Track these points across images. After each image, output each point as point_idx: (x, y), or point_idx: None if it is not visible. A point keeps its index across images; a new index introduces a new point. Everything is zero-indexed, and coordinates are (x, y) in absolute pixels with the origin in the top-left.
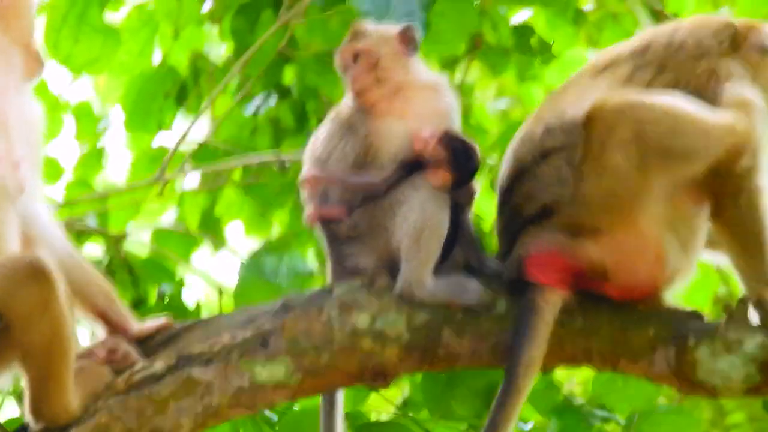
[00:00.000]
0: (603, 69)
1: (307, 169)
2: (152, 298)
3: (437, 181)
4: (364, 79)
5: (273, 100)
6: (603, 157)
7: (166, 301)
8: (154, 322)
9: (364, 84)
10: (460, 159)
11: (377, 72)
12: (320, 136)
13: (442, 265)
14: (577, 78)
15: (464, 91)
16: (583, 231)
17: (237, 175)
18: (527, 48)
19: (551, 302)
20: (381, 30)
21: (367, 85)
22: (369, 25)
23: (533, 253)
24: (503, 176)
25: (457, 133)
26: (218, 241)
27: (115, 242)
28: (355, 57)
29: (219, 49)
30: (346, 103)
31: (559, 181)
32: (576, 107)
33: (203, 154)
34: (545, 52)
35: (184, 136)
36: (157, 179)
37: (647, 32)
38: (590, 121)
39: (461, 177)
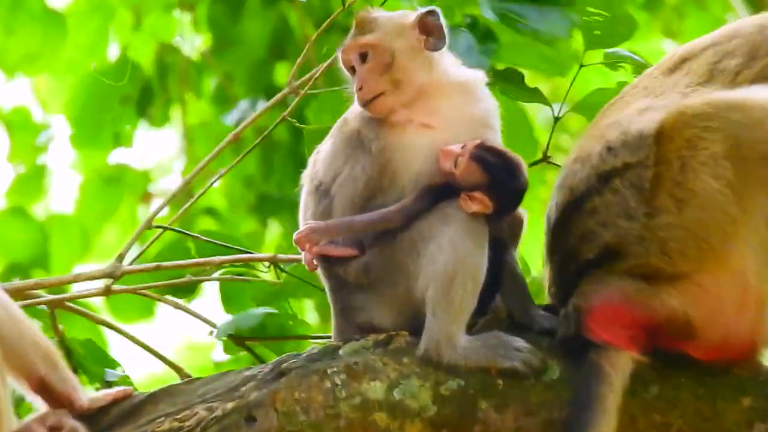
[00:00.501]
0: (676, 66)
1: (303, 200)
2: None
3: (473, 209)
4: (375, 82)
5: (261, 107)
6: (685, 180)
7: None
8: (109, 391)
9: (374, 88)
10: (500, 179)
11: (391, 73)
12: (322, 153)
13: (479, 319)
14: (643, 80)
15: None
16: (660, 276)
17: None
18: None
19: (620, 366)
20: (394, 17)
21: (379, 90)
22: (378, 12)
23: (596, 305)
24: (553, 208)
25: (496, 145)
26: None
27: (51, 309)
28: (363, 55)
29: (193, 42)
30: (354, 111)
31: (626, 214)
32: (645, 117)
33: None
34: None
35: (156, 212)
36: (111, 272)
37: (732, 22)
38: (666, 133)
39: (503, 203)
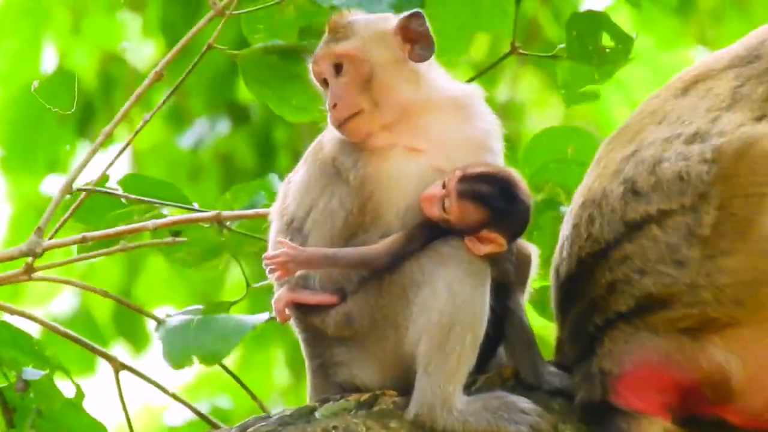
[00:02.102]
0: (688, 87)
1: (273, 239)
2: (9, 391)
3: (485, 251)
4: (351, 99)
5: (223, 126)
6: (756, 219)
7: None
8: None
9: (350, 107)
10: (502, 208)
11: (371, 88)
12: (294, 184)
13: (479, 377)
14: (650, 104)
15: (512, 112)
16: (707, 328)
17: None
18: (589, 46)
19: None
20: (373, 22)
21: (355, 109)
22: (355, 16)
23: (629, 368)
24: (563, 259)
25: (480, 168)
26: (147, 375)
27: None
28: (337, 66)
29: (142, 50)
30: (329, 134)
31: (674, 260)
32: (676, 151)
33: (97, 205)
34: (622, 52)
35: (75, 176)
36: (28, 250)
37: (752, 33)
38: (730, 170)
39: (513, 232)
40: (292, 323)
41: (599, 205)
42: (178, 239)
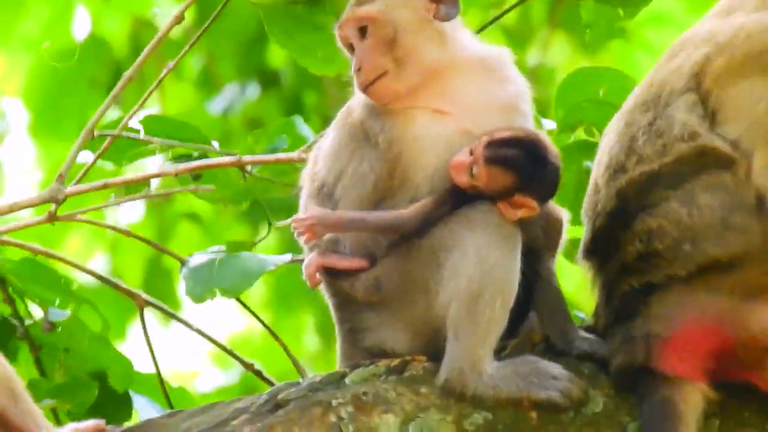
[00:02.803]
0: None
1: (304, 204)
2: (35, 329)
3: (519, 216)
4: (376, 61)
5: (253, 91)
6: None
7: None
8: (78, 425)
9: (374, 69)
10: (531, 171)
11: (395, 50)
12: (324, 149)
13: (510, 342)
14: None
15: (543, 76)
16: (763, 291)
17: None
18: None
19: (694, 404)
20: None
21: (380, 71)
22: None
23: (678, 329)
24: (599, 199)
25: (507, 132)
26: (171, 311)
27: None
28: (362, 29)
29: (173, 16)
30: (357, 99)
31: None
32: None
33: (120, 149)
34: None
35: (96, 120)
36: (50, 196)
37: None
38: None
39: (544, 195)
40: (322, 288)
41: (635, 137)
42: (201, 186)
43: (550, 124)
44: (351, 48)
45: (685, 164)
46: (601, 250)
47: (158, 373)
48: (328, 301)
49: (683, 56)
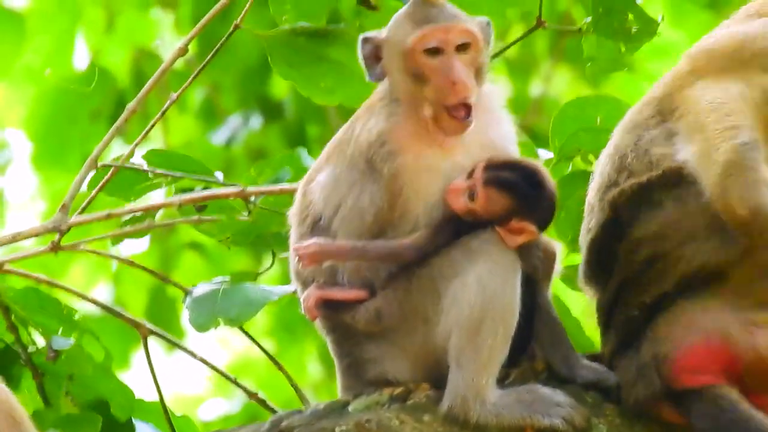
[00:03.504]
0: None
1: (296, 234)
2: (38, 357)
3: (519, 242)
4: (471, 84)
5: (256, 122)
6: None
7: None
8: None
9: (473, 89)
10: (529, 195)
11: (477, 80)
12: (318, 182)
13: (513, 371)
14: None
15: (546, 107)
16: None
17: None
18: (614, 23)
19: (737, 394)
20: (464, 13)
21: (472, 95)
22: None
23: (688, 346)
24: (593, 216)
25: (504, 157)
26: (174, 339)
27: None
28: (462, 46)
29: (175, 46)
30: (369, 125)
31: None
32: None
33: (124, 181)
34: (646, 32)
35: (99, 152)
36: (54, 227)
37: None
38: None
39: (541, 221)
40: (319, 324)
41: (634, 151)
42: (204, 217)
43: (547, 155)
44: (434, 52)
45: (672, 176)
46: (600, 267)
47: (162, 402)
48: (326, 336)
49: (661, 81)
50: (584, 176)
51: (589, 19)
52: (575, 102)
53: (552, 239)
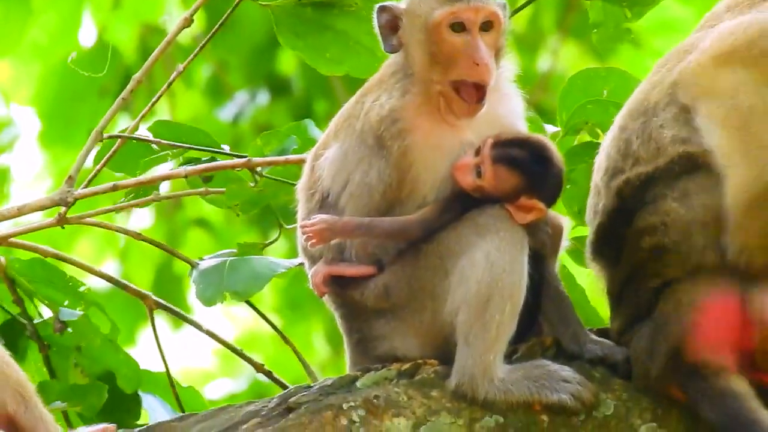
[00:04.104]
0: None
1: (304, 209)
2: (44, 329)
3: (528, 219)
4: (493, 66)
5: (263, 98)
6: None
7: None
8: (89, 429)
9: (492, 72)
10: (537, 172)
11: (496, 61)
12: (327, 157)
13: (519, 346)
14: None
15: (553, 83)
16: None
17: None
18: None
19: (747, 387)
20: None
21: (492, 77)
22: None
23: (701, 317)
24: (600, 200)
25: (513, 134)
26: (181, 312)
27: None
28: (486, 24)
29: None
30: (373, 103)
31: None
32: None
33: (129, 153)
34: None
35: (105, 124)
36: (60, 199)
37: None
38: None
39: (549, 197)
40: (327, 300)
41: (639, 111)
42: (211, 189)
43: (554, 129)
44: (459, 27)
45: (677, 166)
46: (608, 249)
47: (168, 374)
48: (335, 312)
49: (667, 68)
50: (591, 148)
51: None
52: (582, 74)
53: (559, 214)
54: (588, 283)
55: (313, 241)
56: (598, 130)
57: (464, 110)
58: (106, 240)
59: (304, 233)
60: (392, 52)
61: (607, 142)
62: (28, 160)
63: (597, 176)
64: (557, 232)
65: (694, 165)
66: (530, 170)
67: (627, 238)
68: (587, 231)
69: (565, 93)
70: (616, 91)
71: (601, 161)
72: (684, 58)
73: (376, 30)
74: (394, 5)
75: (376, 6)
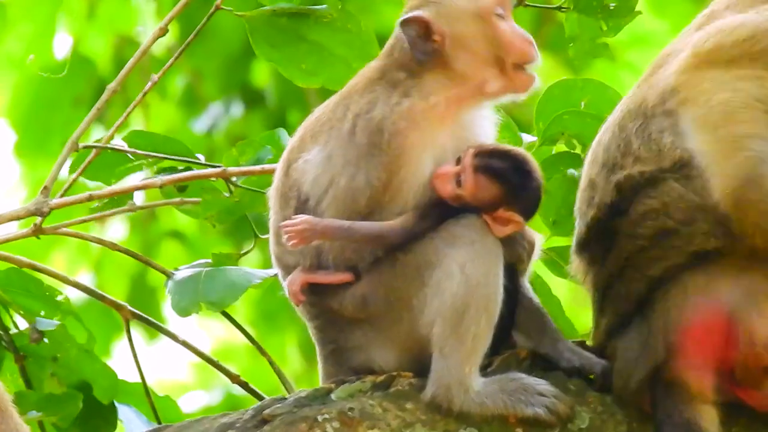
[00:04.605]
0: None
1: (279, 216)
2: (20, 339)
3: (506, 232)
4: None
5: (238, 110)
6: None
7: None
8: None
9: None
10: (518, 184)
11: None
12: (308, 160)
13: (495, 358)
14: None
15: (529, 95)
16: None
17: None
18: (592, 4)
19: (713, 422)
20: None
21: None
22: None
23: (690, 323)
24: (596, 193)
25: (493, 145)
26: (156, 322)
27: None
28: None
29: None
30: (376, 101)
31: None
32: None
33: (104, 163)
34: (625, 8)
35: (80, 134)
36: (35, 209)
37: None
38: None
39: (527, 210)
40: (302, 310)
41: (632, 115)
42: (187, 199)
43: (530, 139)
44: (501, 17)
45: (682, 165)
46: (598, 242)
47: (144, 384)
48: (309, 323)
49: (663, 70)
50: (567, 158)
51: None
52: (560, 84)
53: (531, 230)
54: (564, 294)
55: (294, 241)
56: (575, 141)
57: (528, 81)
58: (81, 251)
59: (285, 233)
60: (425, 59)
61: (604, 138)
62: (3, 171)
63: (592, 170)
64: (530, 246)
65: (693, 167)
66: (510, 182)
67: (621, 230)
68: (562, 242)
69: (543, 103)
70: (593, 102)
71: (596, 156)
72: (677, 58)
73: (406, 42)
74: (418, 14)
75: (399, 21)
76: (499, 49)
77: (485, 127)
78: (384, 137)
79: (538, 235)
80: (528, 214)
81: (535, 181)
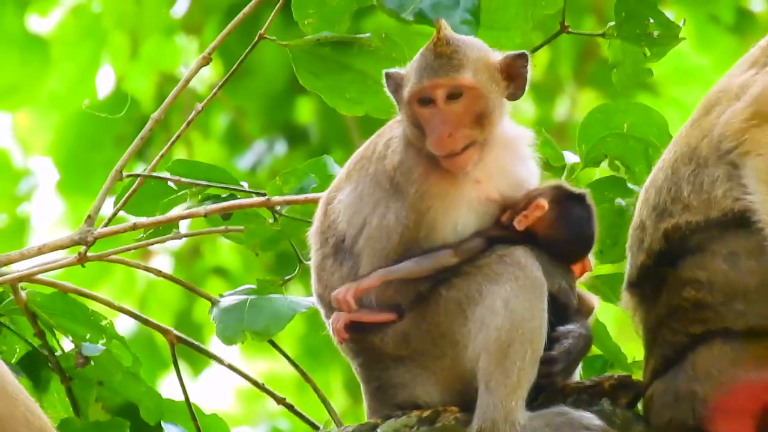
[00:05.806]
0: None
1: (318, 254)
2: (66, 361)
3: (586, 268)
4: (467, 131)
5: (281, 147)
6: None
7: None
8: None
9: (465, 139)
10: (579, 221)
11: (483, 122)
12: (341, 201)
13: (541, 393)
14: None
15: (570, 132)
16: None
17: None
18: (636, 29)
19: None
20: (482, 53)
21: (470, 140)
22: (460, 38)
23: (729, 391)
24: (645, 236)
25: (574, 189)
26: (201, 346)
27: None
28: (453, 95)
29: (200, 72)
30: (386, 149)
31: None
32: None
33: (148, 194)
34: (669, 36)
35: (124, 163)
36: (80, 238)
37: None
38: None
39: (578, 250)
40: (345, 348)
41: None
42: (231, 228)
43: (573, 158)
44: (426, 103)
45: (729, 220)
46: (648, 286)
47: (188, 402)
48: (352, 361)
49: (717, 111)
50: (612, 182)
51: (612, 23)
52: (603, 107)
53: (591, 295)
54: (611, 319)
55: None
56: (618, 163)
57: (453, 166)
58: (126, 285)
59: (335, 302)
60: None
61: (657, 177)
62: (47, 209)
63: (644, 211)
64: (588, 310)
65: (745, 221)
66: (581, 232)
67: (669, 281)
68: (608, 269)
69: (585, 125)
70: (636, 124)
71: (649, 196)
72: (732, 105)
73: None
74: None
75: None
76: (421, 134)
77: (516, 172)
78: (401, 181)
79: (596, 299)
80: (577, 253)
81: (589, 227)
